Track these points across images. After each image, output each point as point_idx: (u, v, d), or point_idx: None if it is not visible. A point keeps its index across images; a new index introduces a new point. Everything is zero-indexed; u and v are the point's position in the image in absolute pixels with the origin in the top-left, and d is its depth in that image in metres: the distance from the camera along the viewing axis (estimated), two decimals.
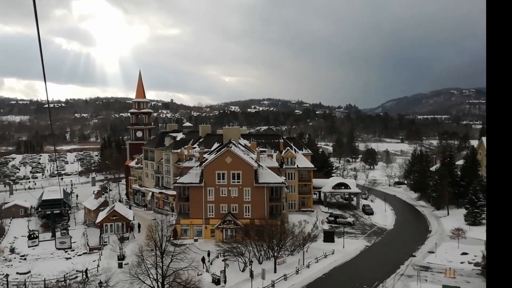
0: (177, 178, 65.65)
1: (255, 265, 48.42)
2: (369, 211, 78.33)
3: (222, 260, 44.00)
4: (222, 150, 61.12)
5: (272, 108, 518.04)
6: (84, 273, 47.26)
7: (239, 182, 59.90)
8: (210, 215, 60.41)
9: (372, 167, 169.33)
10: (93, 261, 54.13)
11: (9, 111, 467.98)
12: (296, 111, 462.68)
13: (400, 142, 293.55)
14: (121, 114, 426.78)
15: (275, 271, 45.54)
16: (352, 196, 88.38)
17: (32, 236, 57.05)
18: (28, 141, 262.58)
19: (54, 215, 73.09)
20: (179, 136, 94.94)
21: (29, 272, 50.36)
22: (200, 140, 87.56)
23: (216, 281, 43.39)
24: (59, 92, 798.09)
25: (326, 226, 67.40)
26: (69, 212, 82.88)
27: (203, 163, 61.25)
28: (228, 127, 71.20)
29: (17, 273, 51.00)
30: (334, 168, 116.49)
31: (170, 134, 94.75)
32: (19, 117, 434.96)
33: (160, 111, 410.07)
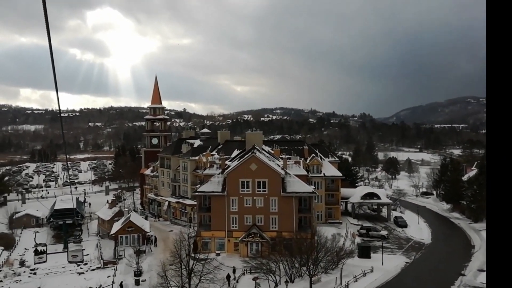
0: (197, 186, 61.05)
1: (285, 284, 43.31)
2: (402, 224, 72.44)
3: (253, 279, 38.96)
4: (246, 156, 56.42)
5: (285, 117, 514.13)
6: None
7: (265, 191, 55.00)
8: (233, 227, 55.53)
9: (394, 176, 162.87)
10: (108, 276, 49.71)
11: (24, 120, 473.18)
12: (310, 119, 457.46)
13: (419, 151, 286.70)
14: (134, 123, 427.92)
15: None
16: (381, 207, 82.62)
17: (38, 251, 52.02)
18: (42, 150, 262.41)
19: (66, 226, 69.08)
20: (197, 143, 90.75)
21: None
22: (219, 146, 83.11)
23: None
24: (73, 102, 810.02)
25: (358, 240, 61.89)
26: (82, 222, 78.89)
27: (226, 171, 56.59)
28: (251, 131, 66.56)
29: None
30: (359, 177, 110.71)
31: (187, 141, 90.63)
32: (34, 126, 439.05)
33: (173, 120, 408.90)
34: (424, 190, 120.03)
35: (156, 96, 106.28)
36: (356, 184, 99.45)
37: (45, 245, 44.25)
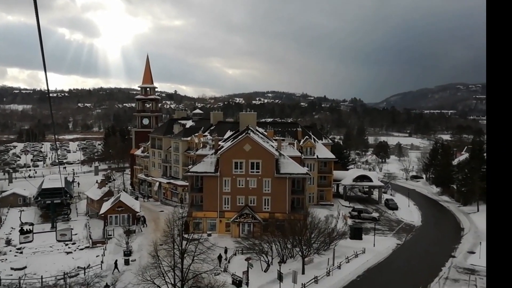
0: (189, 167, 60.09)
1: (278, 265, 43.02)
2: (393, 206, 72.73)
3: (246, 259, 38.49)
4: (240, 137, 55.41)
5: (277, 101, 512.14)
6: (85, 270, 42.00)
7: (258, 172, 54.27)
8: (225, 207, 54.92)
9: (384, 160, 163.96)
10: (96, 256, 48.85)
11: (12, 100, 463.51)
12: (302, 103, 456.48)
13: (408, 136, 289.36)
14: (124, 104, 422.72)
15: (303, 272, 40.05)
16: (372, 190, 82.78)
17: (24, 231, 50.04)
18: (30, 130, 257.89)
19: (54, 205, 67.80)
20: (189, 123, 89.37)
21: (25, 267, 45.07)
22: (212, 128, 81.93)
23: (237, 283, 37.97)
24: (62, 82, 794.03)
25: (349, 222, 61.92)
26: (70, 202, 77.61)
27: (219, 151, 55.61)
28: (244, 112, 65.38)
29: (12, 268, 45.71)
30: (350, 160, 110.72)
31: (179, 121, 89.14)
32: (21, 106, 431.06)
33: (164, 102, 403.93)
34: (414, 173, 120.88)
35: (148, 76, 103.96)
36: (348, 167, 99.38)
37: (32, 224, 42.92)
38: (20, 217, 67.82)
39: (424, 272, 42.42)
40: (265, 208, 54.52)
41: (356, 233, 52.79)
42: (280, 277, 35.26)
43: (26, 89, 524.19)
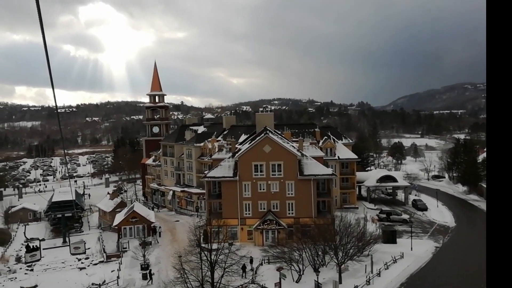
0: (205, 172, 56.61)
1: (311, 274, 39.19)
2: (422, 207, 68.42)
3: (277, 269, 34.66)
4: (259, 138, 51.89)
5: (283, 107, 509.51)
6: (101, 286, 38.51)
7: (280, 174, 50.63)
8: (246, 214, 51.25)
9: (400, 161, 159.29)
10: (112, 271, 45.36)
11: (21, 117, 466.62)
12: (309, 109, 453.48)
13: (420, 137, 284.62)
14: (132, 117, 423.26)
15: (340, 282, 36.11)
16: (396, 190, 78.58)
17: (30, 248, 45.77)
18: (39, 146, 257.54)
19: (65, 219, 64.66)
20: (200, 129, 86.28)
21: (36, 286, 41.77)
22: (225, 132, 78.61)
23: None
24: (69, 98, 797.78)
25: (377, 225, 57.80)
26: (81, 215, 74.50)
27: (237, 154, 52.12)
28: (261, 113, 61.93)
29: (22, 287, 42.41)
30: (370, 161, 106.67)
31: (191, 127, 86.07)
32: (30, 122, 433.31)
33: (171, 112, 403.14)
34: (435, 173, 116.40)
35: (156, 83, 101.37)
36: (367, 169, 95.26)
37: (38, 239, 39.18)
38: (24, 233, 64.66)
39: (473, 277, 38.19)
40: (289, 213, 50.75)
41: (389, 237, 48.70)
42: None
43: (34, 106, 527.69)
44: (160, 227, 57.65)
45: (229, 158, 53.28)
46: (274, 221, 49.67)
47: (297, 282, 37.91)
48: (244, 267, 42.50)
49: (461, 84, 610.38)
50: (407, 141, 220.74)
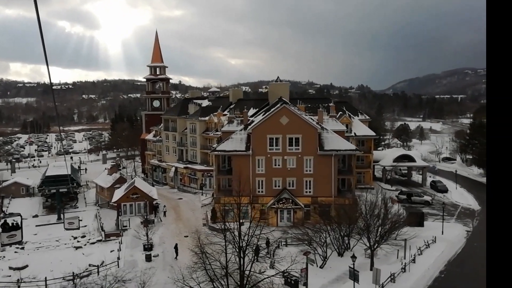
0: (214, 145, 51.77)
1: (334, 259, 35.01)
2: (442, 188, 64.22)
3: (304, 254, 30.21)
4: (275, 108, 46.88)
5: None
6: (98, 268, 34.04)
7: (297, 149, 45.87)
8: (259, 191, 46.69)
9: (406, 144, 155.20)
10: (111, 251, 41.01)
11: (15, 93, 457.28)
12: (309, 91, 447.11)
13: (422, 121, 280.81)
14: (129, 95, 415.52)
15: (371, 268, 31.81)
16: (411, 171, 74.26)
17: (9, 226, 33.86)
18: (34, 121, 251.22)
19: (60, 194, 60.01)
20: (205, 103, 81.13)
21: (26, 267, 37.35)
22: (231, 106, 73.41)
23: (292, 283, 29.85)
24: (65, 75, 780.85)
25: (398, 206, 53.53)
26: (78, 191, 69.86)
27: (250, 126, 47.21)
28: (275, 82, 56.68)
29: (10, 268, 38.04)
30: (381, 140, 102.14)
31: (194, 101, 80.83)
32: (25, 99, 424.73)
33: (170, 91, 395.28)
34: (445, 156, 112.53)
35: (157, 54, 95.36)
36: (378, 148, 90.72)
37: (19, 215, 33.21)
38: (2, 206, 59.62)
39: None
40: (306, 192, 46.22)
41: (416, 219, 44.38)
42: (355, 277, 26.97)
43: (29, 83, 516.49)
44: (164, 206, 53.07)
45: (240, 130, 48.36)
46: (291, 200, 45.19)
47: (321, 267, 33.63)
48: (257, 249, 38.17)
49: (461, 69, 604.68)
50: (410, 124, 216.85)
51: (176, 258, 37.88)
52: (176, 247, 38.87)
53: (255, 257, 39.21)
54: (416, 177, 75.30)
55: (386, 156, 70.55)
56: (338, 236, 36.58)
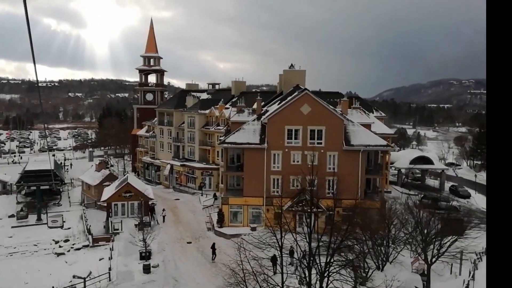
0: (223, 137, 45.39)
1: (375, 274, 28.94)
2: (464, 193, 59.03)
3: (353, 269, 24.04)
4: (295, 95, 40.82)
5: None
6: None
7: (320, 143, 39.85)
8: (274, 192, 40.47)
9: (403, 148, 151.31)
10: (100, 259, 34.18)
11: None
12: None
13: (412, 128, 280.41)
14: (117, 94, 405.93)
15: (427, 286, 25.81)
16: (426, 175, 69.01)
17: None
18: (17, 118, 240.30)
19: (41, 192, 52.80)
20: (203, 96, 74.75)
21: None
22: (233, 99, 67.29)
23: None
24: (50, 74, 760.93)
25: (424, 213, 47.90)
26: (61, 189, 62.61)
27: (265, 115, 41.04)
28: (289, 69, 50.59)
29: None
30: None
31: (193, 93, 74.36)
32: (9, 95, 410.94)
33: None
34: (450, 161, 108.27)
35: (152, 44, 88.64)
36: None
37: None
38: None
39: None
40: (328, 193, 40.14)
41: (457, 228, 38.59)
42: None
43: (14, 79, 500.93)
44: (164, 210, 46.26)
45: (253, 120, 42.11)
46: (312, 202, 38.96)
47: (362, 284, 27.48)
48: (274, 260, 31.99)
49: (446, 79, 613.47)
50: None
51: (213, 260, 33.54)
52: (213, 247, 34.22)
53: (274, 268, 33.17)
54: (430, 181, 70.15)
55: (401, 158, 65.13)
56: (377, 246, 30.58)
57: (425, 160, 64.03)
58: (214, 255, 34.00)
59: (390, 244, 32.03)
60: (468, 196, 58.65)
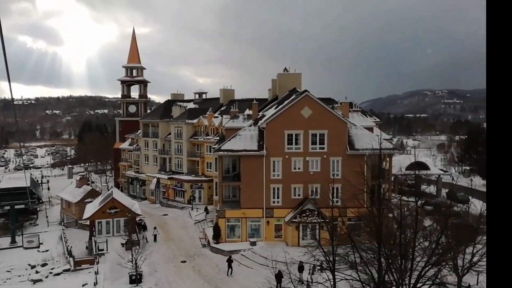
0: (217, 145, 42.28)
1: None
2: (463, 199, 57.30)
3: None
4: (294, 97, 38.24)
5: None
6: None
7: (322, 148, 37.23)
8: (274, 202, 37.44)
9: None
10: (83, 285, 30.24)
11: None
12: None
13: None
14: (96, 110, 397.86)
15: None
16: (420, 181, 67.18)
17: None
18: None
19: (15, 211, 48.23)
20: (190, 106, 71.68)
21: None
22: (222, 108, 64.52)
23: None
24: (26, 92, 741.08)
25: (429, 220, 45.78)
26: (38, 208, 57.96)
27: (263, 120, 38.25)
28: (284, 72, 48.14)
29: None
30: None
31: (179, 103, 71.16)
32: None
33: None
34: (439, 167, 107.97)
35: (134, 54, 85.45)
36: None
37: None
38: None
39: None
40: (332, 202, 37.35)
41: (467, 235, 36.32)
42: None
43: None
44: (155, 228, 42.43)
45: (250, 126, 39.22)
46: (316, 212, 36.18)
47: None
48: (279, 276, 28.92)
49: (421, 90, 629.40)
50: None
51: (231, 274, 31.36)
52: (229, 260, 31.70)
53: (279, 285, 30.13)
54: (423, 187, 68.51)
55: (396, 164, 63.10)
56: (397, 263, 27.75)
57: (421, 165, 62.24)
58: (230, 269, 31.32)
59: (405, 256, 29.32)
60: (467, 201, 56.92)
